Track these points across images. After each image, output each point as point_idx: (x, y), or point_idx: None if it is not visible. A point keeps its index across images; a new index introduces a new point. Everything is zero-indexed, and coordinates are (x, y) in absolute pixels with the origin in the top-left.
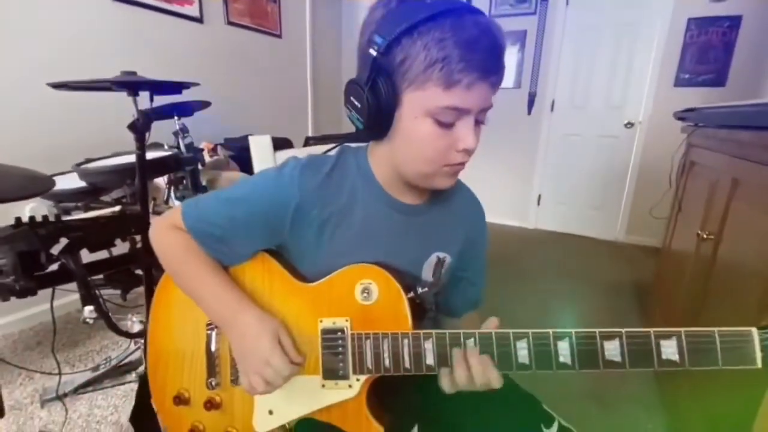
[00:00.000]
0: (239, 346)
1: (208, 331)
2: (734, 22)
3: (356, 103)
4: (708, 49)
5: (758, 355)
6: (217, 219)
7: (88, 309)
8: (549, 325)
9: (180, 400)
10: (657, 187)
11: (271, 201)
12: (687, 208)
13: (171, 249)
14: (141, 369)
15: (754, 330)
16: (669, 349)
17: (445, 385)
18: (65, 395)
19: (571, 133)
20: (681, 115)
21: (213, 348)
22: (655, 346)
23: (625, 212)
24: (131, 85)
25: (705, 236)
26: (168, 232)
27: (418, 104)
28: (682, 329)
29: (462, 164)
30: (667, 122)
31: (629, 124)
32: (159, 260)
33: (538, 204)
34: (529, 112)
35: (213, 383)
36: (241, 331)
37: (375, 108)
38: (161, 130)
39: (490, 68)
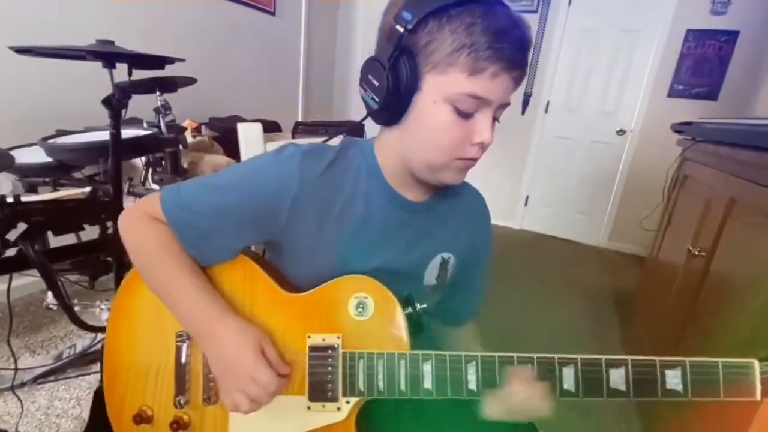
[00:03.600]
0: (218, 361)
1: (179, 343)
2: (732, 36)
3: (374, 81)
4: (703, 62)
5: (758, 388)
6: (204, 209)
7: (52, 294)
8: (529, 327)
9: (141, 418)
10: (644, 196)
11: (266, 190)
12: (677, 222)
13: (144, 243)
14: None
15: (755, 362)
16: (674, 380)
17: (494, 409)
18: (23, 385)
19: (563, 136)
20: (678, 128)
21: (183, 362)
22: (660, 375)
23: (609, 219)
24: (107, 56)
25: (696, 253)
26: (142, 224)
27: (439, 89)
28: (687, 359)
29: (474, 160)
30: (658, 132)
31: (621, 132)
32: (129, 255)
33: (526, 205)
34: (523, 112)
35: (182, 401)
36: (220, 343)
37: (394, 88)
38: (141, 105)
39: (517, 61)
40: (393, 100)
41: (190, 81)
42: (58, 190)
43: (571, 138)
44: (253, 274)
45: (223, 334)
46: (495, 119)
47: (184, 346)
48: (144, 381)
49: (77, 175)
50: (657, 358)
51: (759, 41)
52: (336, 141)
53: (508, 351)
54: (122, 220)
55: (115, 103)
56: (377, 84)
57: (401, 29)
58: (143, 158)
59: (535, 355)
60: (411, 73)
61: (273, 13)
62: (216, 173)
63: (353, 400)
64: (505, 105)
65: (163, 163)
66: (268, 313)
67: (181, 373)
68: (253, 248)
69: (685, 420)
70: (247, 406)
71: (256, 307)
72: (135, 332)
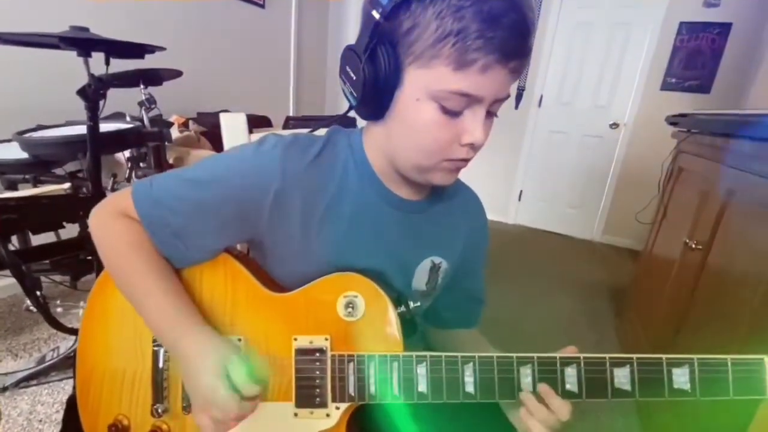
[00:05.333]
0: (184, 376)
1: (155, 348)
2: (724, 29)
3: (351, 74)
4: (696, 55)
5: None
6: (179, 205)
7: (38, 294)
8: (523, 322)
9: (117, 429)
10: (637, 190)
11: (247, 183)
12: (673, 214)
13: (113, 242)
14: None
15: (766, 359)
16: (681, 378)
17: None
18: (5, 389)
19: (557, 131)
20: (673, 120)
21: (160, 367)
22: (667, 374)
23: (603, 213)
24: (82, 43)
25: (693, 245)
26: (113, 221)
27: (422, 85)
28: (695, 356)
29: (465, 161)
30: (651, 125)
31: (614, 125)
32: (99, 255)
33: (519, 199)
34: (517, 107)
35: (160, 410)
36: (184, 358)
37: (372, 83)
38: (126, 99)
39: (513, 51)
40: (371, 95)
41: (175, 74)
42: (38, 188)
43: (565, 132)
44: (235, 272)
45: (187, 349)
46: (492, 113)
47: (161, 351)
48: (120, 388)
49: (59, 171)
50: (663, 356)
51: (751, 33)
52: (322, 131)
53: (503, 347)
54: (92, 217)
55: (91, 93)
56: (354, 77)
57: (376, 16)
58: (126, 153)
59: (535, 355)
60: (389, 66)
61: (262, 5)
62: (193, 165)
63: (343, 405)
64: (502, 99)
65: (147, 158)
66: (251, 314)
67: (159, 380)
68: (238, 246)
69: (683, 415)
70: (212, 429)
71: (238, 308)
72: (109, 336)
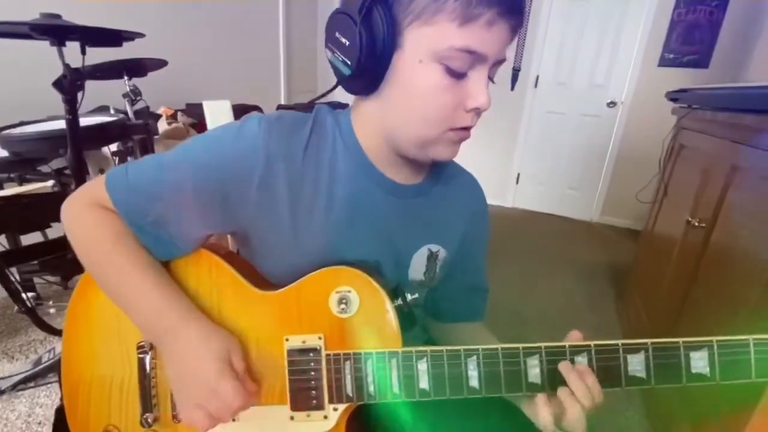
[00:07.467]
0: (178, 370)
1: (140, 355)
2: (722, 1)
3: (343, 40)
4: (694, 29)
5: None
6: (158, 190)
7: (24, 297)
8: (524, 306)
9: None
10: (636, 169)
11: (228, 167)
12: (674, 192)
13: (90, 236)
14: None
15: None
16: (699, 362)
17: (546, 419)
18: (2, 393)
19: (553, 111)
20: (673, 96)
21: (148, 375)
22: (684, 358)
23: (601, 193)
24: (54, 31)
25: (696, 223)
26: (87, 212)
27: (425, 44)
28: (714, 338)
29: (468, 129)
30: (649, 103)
31: (612, 104)
32: (74, 251)
33: (517, 182)
34: (512, 88)
35: (149, 419)
36: (181, 349)
37: (369, 47)
38: (111, 92)
39: (515, 5)
40: (369, 62)
41: (160, 63)
42: (23, 186)
43: (562, 112)
44: (220, 271)
45: (185, 339)
46: (490, 79)
47: (147, 358)
48: (108, 398)
49: (45, 169)
50: (680, 340)
51: (750, 4)
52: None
53: (503, 332)
54: (64, 209)
55: (67, 85)
56: (347, 43)
57: None
58: (113, 147)
59: (543, 345)
60: (388, 27)
61: None
62: (172, 149)
63: (341, 406)
64: (500, 61)
65: (134, 151)
66: (239, 314)
67: (147, 388)
68: (230, 245)
69: (690, 401)
70: (206, 423)
71: (225, 309)
72: (93, 343)
